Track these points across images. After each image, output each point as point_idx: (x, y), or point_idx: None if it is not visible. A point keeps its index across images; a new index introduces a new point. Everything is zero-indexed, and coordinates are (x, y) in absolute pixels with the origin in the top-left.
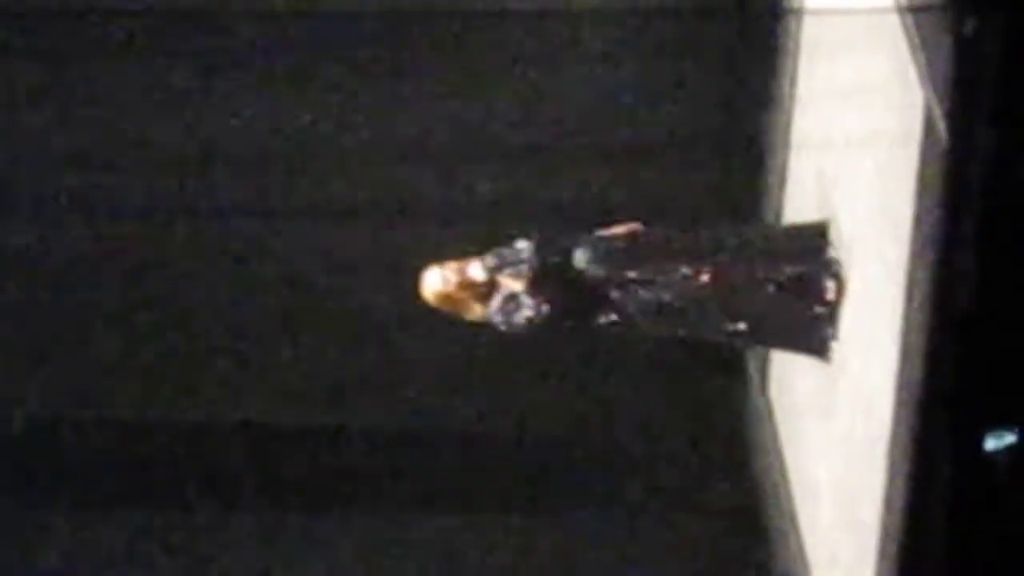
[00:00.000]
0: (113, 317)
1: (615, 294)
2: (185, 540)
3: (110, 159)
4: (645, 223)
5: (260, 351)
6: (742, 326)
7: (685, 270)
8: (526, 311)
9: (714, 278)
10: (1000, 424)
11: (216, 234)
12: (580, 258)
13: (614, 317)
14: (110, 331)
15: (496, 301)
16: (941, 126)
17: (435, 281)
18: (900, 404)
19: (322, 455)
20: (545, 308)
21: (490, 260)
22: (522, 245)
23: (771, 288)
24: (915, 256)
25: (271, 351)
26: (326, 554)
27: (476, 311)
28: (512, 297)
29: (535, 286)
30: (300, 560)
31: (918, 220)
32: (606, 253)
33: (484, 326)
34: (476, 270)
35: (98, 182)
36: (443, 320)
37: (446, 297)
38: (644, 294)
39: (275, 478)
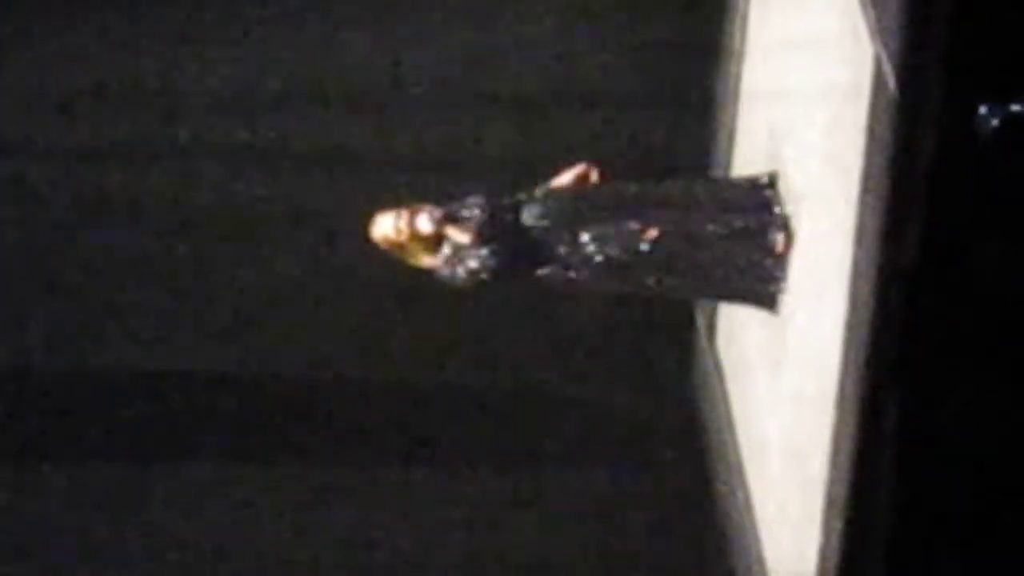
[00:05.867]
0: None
1: (562, 249)
2: (186, 493)
3: (115, 100)
4: (593, 166)
5: (251, 301)
6: (690, 279)
7: (633, 224)
8: (470, 263)
9: (662, 232)
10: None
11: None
12: (528, 214)
13: (561, 272)
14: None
15: (442, 252)
16: (891, 79)
17: (385, 226)
18: (848, 356)
19: (303, 407)
20: (489, 261)
21: (439, 212)
22: (472, 199)
23: (719, 240)
24: (864, 209)
25: (264, 301)
26: (303, 507)
27: (423, 260)
28: (458, 249)
29: (481, 240)
30: (285, 515)
31: (867, 173)
32: (554, 208)
33: (429, 274)
34: (425, 221)
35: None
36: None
37: (393, 243)
38: (591, 249)
39: (276, 430)
